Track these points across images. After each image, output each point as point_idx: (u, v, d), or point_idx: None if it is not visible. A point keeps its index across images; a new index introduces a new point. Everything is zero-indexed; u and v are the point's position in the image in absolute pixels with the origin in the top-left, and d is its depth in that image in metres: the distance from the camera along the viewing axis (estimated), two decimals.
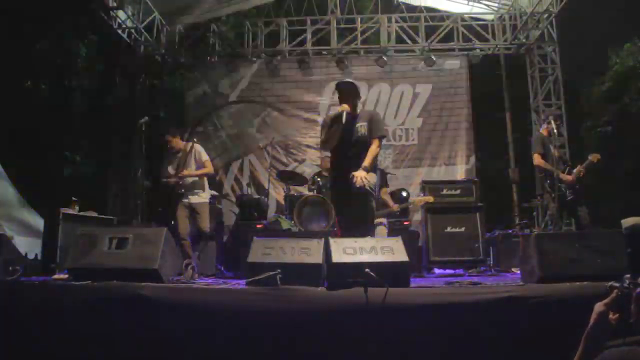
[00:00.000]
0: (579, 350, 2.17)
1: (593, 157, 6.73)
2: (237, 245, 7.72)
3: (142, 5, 10.78)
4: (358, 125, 5.19)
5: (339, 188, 5.25)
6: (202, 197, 6.77)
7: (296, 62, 11.82)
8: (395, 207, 7.45)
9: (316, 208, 8.04)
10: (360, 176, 4.83)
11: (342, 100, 5.29)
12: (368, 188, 4.88)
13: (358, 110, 5.34)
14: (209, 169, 6.86)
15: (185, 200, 6.62)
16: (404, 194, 9.09)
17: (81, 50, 13.60)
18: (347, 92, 5.28)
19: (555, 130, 6.82)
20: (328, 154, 5.73)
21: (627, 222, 5.47)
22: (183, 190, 6.61)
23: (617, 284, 2.17)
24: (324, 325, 3.49)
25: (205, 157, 6.81)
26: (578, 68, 13.04)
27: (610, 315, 2.14)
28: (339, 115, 5.10)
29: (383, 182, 7.11)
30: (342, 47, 11.75)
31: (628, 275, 2.16)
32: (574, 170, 6.74)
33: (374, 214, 5.36)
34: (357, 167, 4.94)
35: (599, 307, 2.18)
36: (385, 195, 7.11)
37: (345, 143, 5.17)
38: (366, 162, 4.96)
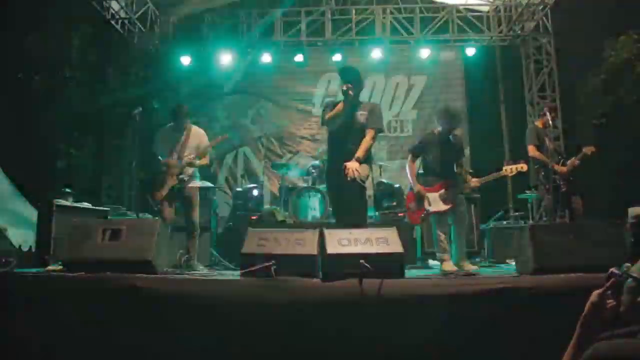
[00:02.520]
0: (573, 337, 2.18)
1: (587, 150, 6.74)
2: (232, 237, 7.71)
3: None
4: (359, 113, 5.18)
5: (333, 178, 5.24)
6: (195, 183, 6.22)
7: (290, 53, 11.78)
8: (475, 181, 6.04)
9: (311, 199, 8.04)
10: (352, 168, 4.82)
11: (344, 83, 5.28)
12: (359, 180, 4.87)
13: (360, 99, 5.34)
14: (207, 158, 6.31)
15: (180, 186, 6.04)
16: (397, 185, 9.06)
17: (74, 41, 13.49)
18: (350, 78, 5.27)
19: (550, 122, 6.83)
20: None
21: (634, 210, 5.47)
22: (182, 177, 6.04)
23: (617, 271, 2.17)
24: (318, 316, 3.49)
25: (207, 142, 6.25)
26: (573, 60, 13.02)
27: (608, 303, 2.14)
28: (342, 101, 5.11)
29: (460, 155, 6.03)
30: (336, 38, 11.71)
31: (628, 264, 2.16)
32: (568, 162, 6.75)
33: (367, 205, 5.37)
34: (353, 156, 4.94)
35: (594, 295, 2.18)
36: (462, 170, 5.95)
37: (344, 131, 5.16)
38: (359, 153, 4.94)
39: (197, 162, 6.08)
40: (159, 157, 6.13)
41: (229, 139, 11.74)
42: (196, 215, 6.15)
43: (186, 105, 6.37)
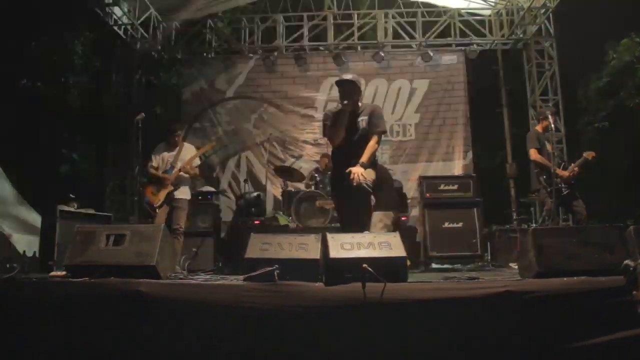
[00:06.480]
0: None
1: (588, 155, 6.75)
2: (235, 242, 7.72)
3: (138, 2, 10.76)
4: (359, 119, 5.17)
5: (338, 184, 5.24)
6: (183, 192, 6.93)
7: (293, 58, 11.81)
8: None
9: (314, 204, 8.05)
10: (357, 173, 4.81)
11: (343, 98, 5.25)
12: (365, 185, 4.86)
13: (360, 104, 5.33)
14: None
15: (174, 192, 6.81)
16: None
17: (77, 47, 13.55)
18: (348, 90, 5.24)
19: (552, 126, 6.84)
20: (327, 151, 5.69)
21: None
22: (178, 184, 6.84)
23: (632, 263, 2.17)
24: (321, 320, 3.49)
25: (197, 161, 7.08)
26: (575, 63, 13.04)
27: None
28: (342, 114, 5.09)
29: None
30: (338, 43, 11.74)
31: None
32: (569, 167, 6.76)
33: (372, 210, 5.35)
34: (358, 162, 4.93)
35: None
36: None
37: (347, 139, 5.15)
38: (364, 158, 4.93)
39: (189, 168, 6.80)
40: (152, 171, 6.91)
41: (231, 144, 11.87)
42: (182, 220, 6.74)
43: (179, 121, 7.06)
